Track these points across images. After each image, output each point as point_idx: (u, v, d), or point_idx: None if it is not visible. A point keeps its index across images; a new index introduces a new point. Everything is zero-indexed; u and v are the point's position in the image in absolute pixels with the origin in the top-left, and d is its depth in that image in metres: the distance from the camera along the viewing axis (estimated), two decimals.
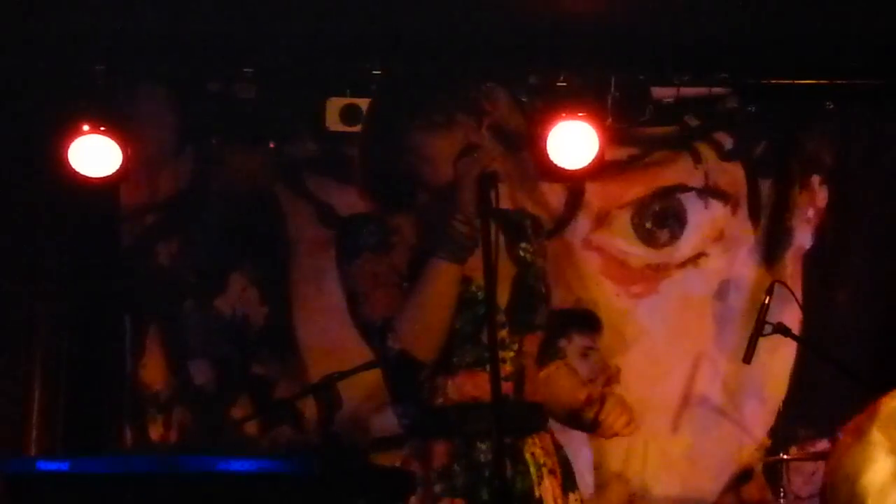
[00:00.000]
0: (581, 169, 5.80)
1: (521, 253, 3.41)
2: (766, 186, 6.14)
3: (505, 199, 3.20)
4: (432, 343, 3.21)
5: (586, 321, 5.58)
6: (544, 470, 3.29)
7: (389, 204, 3.36)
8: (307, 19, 5.34)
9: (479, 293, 3.23)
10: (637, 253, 6.09)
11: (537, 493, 3.25)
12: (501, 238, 3.28)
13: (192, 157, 6.01)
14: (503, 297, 3.30)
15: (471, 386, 3.26)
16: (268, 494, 2.87)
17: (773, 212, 6.13)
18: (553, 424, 3.47)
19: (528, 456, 3.29)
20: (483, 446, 3.24)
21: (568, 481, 3.38)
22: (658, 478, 6.01)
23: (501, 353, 3.25)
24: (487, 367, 3.21)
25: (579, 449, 5.45)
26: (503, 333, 3.28)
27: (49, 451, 5.67)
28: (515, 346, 3.29)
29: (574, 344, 5.45)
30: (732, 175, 6.14)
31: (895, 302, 6.01)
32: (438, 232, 3.20)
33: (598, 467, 5.61)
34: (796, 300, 5.64)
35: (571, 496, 3.38)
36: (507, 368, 3.26)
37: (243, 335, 6.00)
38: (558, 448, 3.40)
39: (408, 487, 3.21)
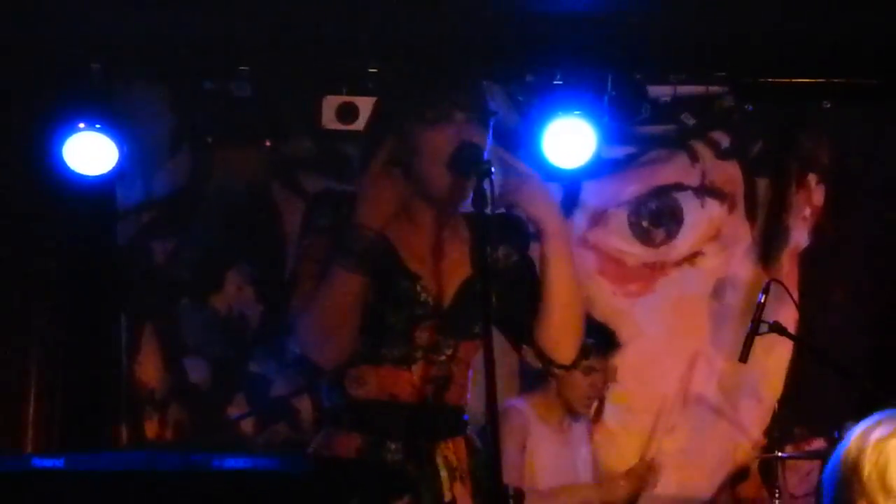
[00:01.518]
0: (577, 167, 5.81)
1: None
2: (762, 185, 6.14)
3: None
4: (332, 353, 3.20)
5: (597, 337, 5.22)
6: (456, 474, 3.25)
7: None
8: (303, 17, 5.34)
9: (423, 295, 3.24)
10: (633, 251, 6.09)
11: (448, 496, 3.23)
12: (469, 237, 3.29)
13: (188, 155, 6.01)
14: (446, 299, 3.29)
15: (391, 382, 3.24)
16: (263, 492, 2.87)
17: (769, 211, 6.13)
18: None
19: (439, 459, 3.26)
20: (393, 446, 3.23)
21: (481, 489, 3.33)
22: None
23: (431, 356, 3.25)
24: (413, 367, 3.23)
25: (578, 447, 5.45)
26: (436, 338, 3.26)
27: (45, 449, 5.67)
28: (449, 352, 3.27)
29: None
30: (729, 174, 6.14)
31: (891, 301, 6.01)
32: (342, 239, 3.17)
33: (595, 465, 5.60)
34: (792, 299, 5.64)
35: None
36: (431, 371, 3.26)
37: (239, 333, 5.99)
38: (474, 453, 3.37)
39: (402, 485, 3.20)
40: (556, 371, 3.43)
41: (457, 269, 3.25)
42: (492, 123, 3.32)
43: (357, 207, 3.15)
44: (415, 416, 3.23)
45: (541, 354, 3.39)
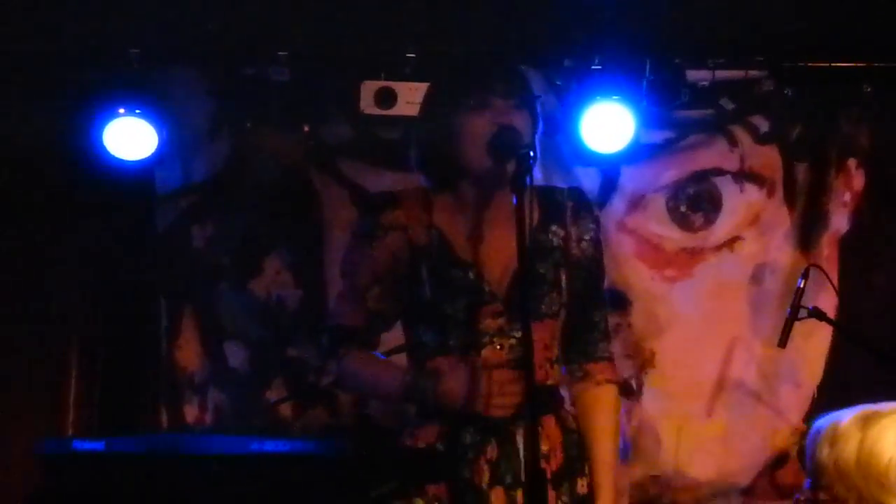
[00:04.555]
0: (616, 152, 5.79)
1: (549, 236, 3.39)
2: (802, 170, 6.10)
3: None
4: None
5: (611, 300, 5.49)
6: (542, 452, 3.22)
7: (437, 184, 3.40)
8: (341, 2, 5.34)
9: (478, 281, 3.29)
10: (672, 236, 6.07)
11: (524, 478, 3.20)
12: (536, 216, 3.29)
13: (227, 140, 6.02)
14: (503, 283, 3.31)
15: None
16: (301, 476, 2.89)
17: (809, 195, 6.09)
18: None
19: (519, 439, 3.27)
20: (472, 429, 3.28)
21: (575, 465, 3.36)
22: (692, 462, 6.00)
23: (499, 340, 3.27)
24: (483, 353, 3.25)
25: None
26: (500, 322, 3.29)
27: (86, 432, 5.71)
28: (517, 334, 3.24)
29: None
30: (768, 158, 6.10)
31: None
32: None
33: (631, 450, 5.60)
34: (832, 284, 5.61)
35: (579, 481, 3.36)
36: (502, 355, 3.28)
37: (278, 318, 6.01)
38: (567, 432, 3.38)
39: (440, 468, 3.22)
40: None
41: (511, 251, 3.20)
42: (539, 109, 3.34)
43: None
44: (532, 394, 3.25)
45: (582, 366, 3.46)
